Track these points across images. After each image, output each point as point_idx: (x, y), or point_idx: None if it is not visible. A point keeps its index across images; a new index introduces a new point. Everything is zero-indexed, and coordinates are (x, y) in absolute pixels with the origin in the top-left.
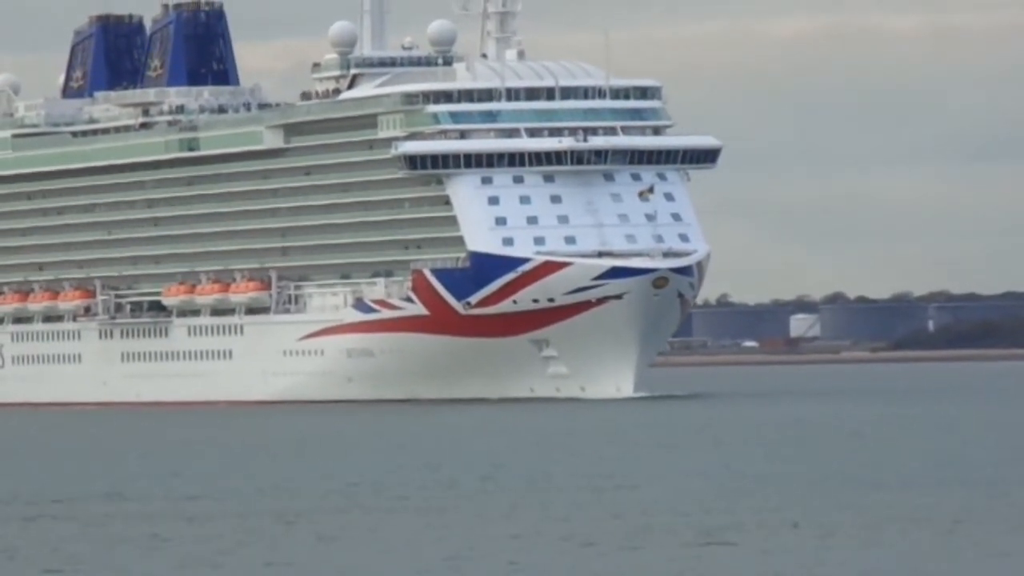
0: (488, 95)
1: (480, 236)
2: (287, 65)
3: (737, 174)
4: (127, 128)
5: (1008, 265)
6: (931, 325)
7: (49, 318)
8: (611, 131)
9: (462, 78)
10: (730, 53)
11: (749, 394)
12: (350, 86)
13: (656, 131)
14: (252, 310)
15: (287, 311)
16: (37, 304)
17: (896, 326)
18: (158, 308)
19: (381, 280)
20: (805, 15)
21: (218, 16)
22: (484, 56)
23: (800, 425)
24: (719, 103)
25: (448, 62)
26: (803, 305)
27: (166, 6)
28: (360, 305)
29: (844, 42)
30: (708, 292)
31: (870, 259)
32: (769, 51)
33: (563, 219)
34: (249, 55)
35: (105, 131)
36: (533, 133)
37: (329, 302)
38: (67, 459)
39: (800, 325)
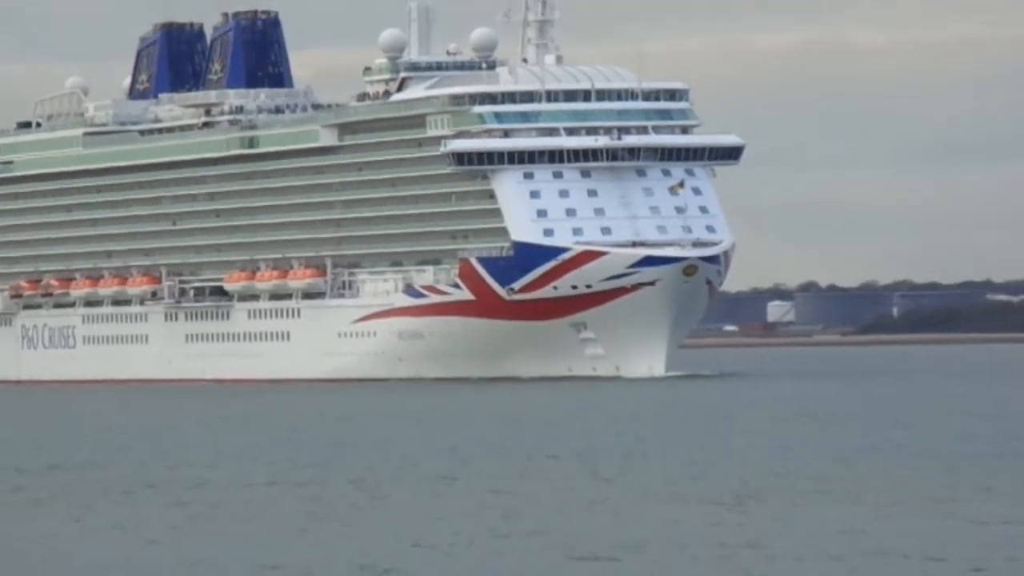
0: (529, 97)
1: (523, 227)
2: (311, 72)
3: (719, 175)
4: (190, 127)
5: (966, 257)
6: (896, 311)
7: (118, 302)
8: (643, 130)
9: (505, 81)
10: (719, 64)
11: (765, 374)
12: (399, 89)
13: (684, 130)
14: (308, 295)
15: (341, 296)
16: (107, 289)
17: (864, 312)
18: (220, 293)
19: (430, 268)
20: (786, 31)
21: (274, 23)
22: (525, 61)
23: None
24: (705, 109)
25: (490, 67)
26: (779, 293)
27: (226, 14)
28: (410, 291)
29: (819, 55)
30: None
31: (840, 252)
32: (753, 62)
33: (599, 211)
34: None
35: (169, 130)
36: (571, 132)
37: (381, 288)
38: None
39: (776, 311)
